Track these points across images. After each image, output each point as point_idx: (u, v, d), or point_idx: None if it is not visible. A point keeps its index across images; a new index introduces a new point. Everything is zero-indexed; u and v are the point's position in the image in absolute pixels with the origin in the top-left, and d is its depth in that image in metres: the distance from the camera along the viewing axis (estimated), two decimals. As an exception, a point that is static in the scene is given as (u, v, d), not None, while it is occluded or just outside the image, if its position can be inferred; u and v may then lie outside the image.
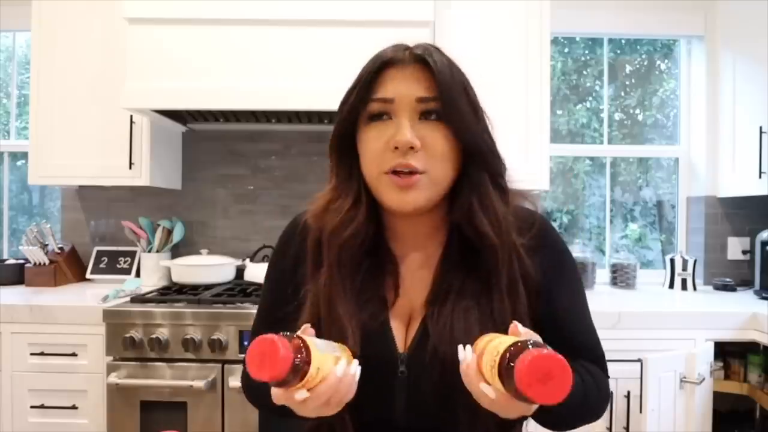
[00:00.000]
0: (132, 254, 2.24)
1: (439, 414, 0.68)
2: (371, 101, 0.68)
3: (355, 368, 0.59)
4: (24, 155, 2.32)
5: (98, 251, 2.26)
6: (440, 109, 0.66)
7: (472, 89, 0.71)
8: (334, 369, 0.57)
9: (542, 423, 0.68)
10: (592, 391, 0.70)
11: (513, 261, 0.69)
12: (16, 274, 2.14)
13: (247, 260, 2.14)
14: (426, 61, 0.67)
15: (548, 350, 0.49)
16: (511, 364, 0.49)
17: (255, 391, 0.77)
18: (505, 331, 0.60)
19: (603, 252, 2.56)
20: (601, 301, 1.98)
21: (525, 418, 0.66)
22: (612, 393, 1.70)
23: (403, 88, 0.67)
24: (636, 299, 2.01)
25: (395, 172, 0.66)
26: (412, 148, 0.65)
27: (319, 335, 0.64)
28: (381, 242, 0.75)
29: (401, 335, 0.71)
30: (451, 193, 0.71)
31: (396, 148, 0.65)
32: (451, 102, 0.66)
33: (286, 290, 0.76)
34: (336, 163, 0.74)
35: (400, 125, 0.66)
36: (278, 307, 0.76)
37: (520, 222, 0.72)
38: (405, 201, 0.67)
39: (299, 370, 0.53)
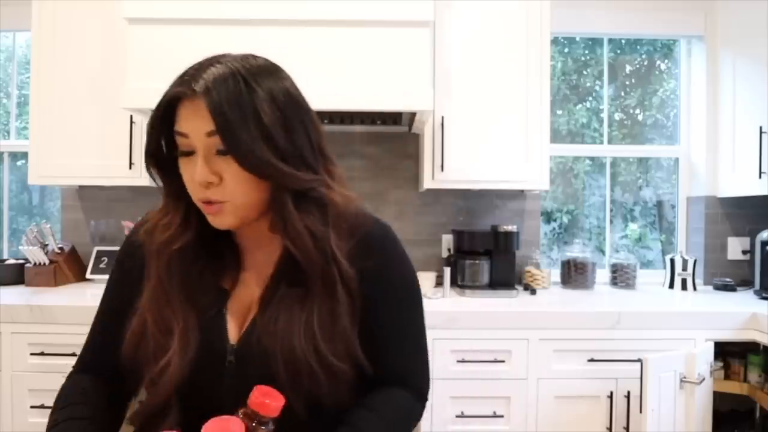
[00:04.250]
0: (132, 254, 2.24)
1: None
2: (175, 133, 0.69)
3: None
4: (24, 155, 2.32)
5: (98, 251, 2.25)
6: (223, 145, 0.66)
7: (262, 112, 0.67)
8: None
9: None
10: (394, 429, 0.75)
11: (329, 268, 0.72)
12: (16, 274, 2.14)
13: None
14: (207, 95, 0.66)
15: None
16: None
17: None
18: (328, 329, 0.70)
19: (603, 252, 2.57)
20: (601, 301, 1.98)
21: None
22: (612, 393, 1.70)
23: (194, 124, 0.67)
24: (636, 299, 2.01)
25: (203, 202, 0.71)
26: (211, 183, 0.68)
27: (145, 342, 0.71)
28: (225, 238, 0.78)
29: (237, 326, 0.75)
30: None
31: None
32: (231, 135, 0.65)
33: (122, 299, 0.78)
34: (163, 183, 0.76)
35: (197, 163, 0.68)
36: (112, 316, 0.80)
37: (349, 229, 0.75)
38: (217, 223, 0.72)
39: None
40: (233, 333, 0.74)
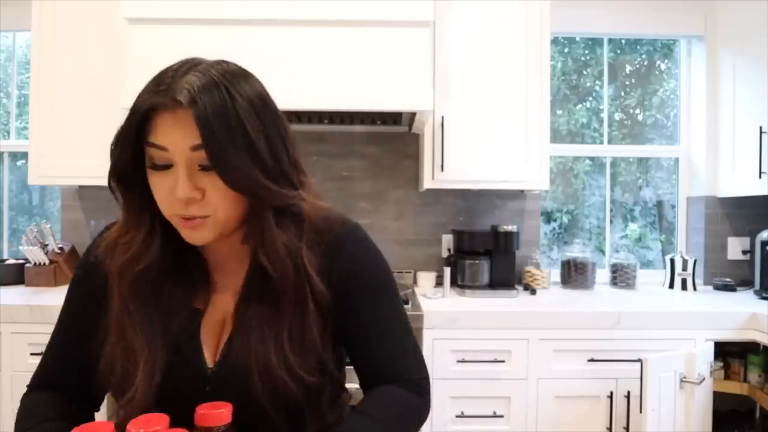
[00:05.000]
0: (132, 254, 2.24)
1: (242, 410, 0.69)
2: (148, 145, 0.64)
3: None
4: (24, 155, 2.32)
5: (98, 251, 2.25)
6: (208, 159, 0.63)
7: (249, 124, 0.65)
8: None
9: None
10: (391, 428, 0.71)
11: (301, 282, 0.71)
12: (16, 274, 2.14)
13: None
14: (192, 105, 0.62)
15: None
16: None
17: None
18: (297, 343, 0.70)
19: (603, 252, 2.56)
20: (601, 301, 1.98)
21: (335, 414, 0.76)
22: (612, 393, 1.70)
23: (175, 138, 0.63)
24: (636, 299, 2.01)
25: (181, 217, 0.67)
26: (194, 198, 0.65)
27: (112, 367, 0.69)
28: (191, 254, 0.75)
29: (212, 346, 0.73)
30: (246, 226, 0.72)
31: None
32: (218, 149, 0.62)
33: (87, 316, 0.75)
34: (123, 198, 0.71)
35: (178, 179, 0.64)
36: (76, 336, 0.77)
37: (317, 236, 0.74)
38: (195, 238, 0.68)
39: None
40: (209, 354, 0.72)
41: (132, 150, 0.66)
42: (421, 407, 0.77)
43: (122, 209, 0.72)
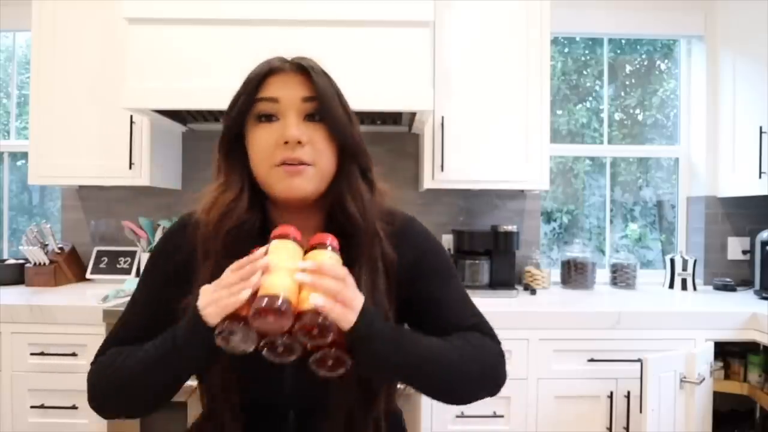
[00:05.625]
0: (132, 254, 2.24)
1: (325, 389, 0.72)
2: (259, 101, 0.75)
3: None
4: (24, 155, 2.32)
5: (98, 251, 2.25)
6: (320, 110, 0.74)
7: (343, 97, 0.79)
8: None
9: (419, 387, 0.74)
10: (464, 353, 0.74)
11: (375, 243, 0.77)
12: (16, 274, 2.14)
13: (247, 260, 2.14)
14: (306, 70, 0.76)
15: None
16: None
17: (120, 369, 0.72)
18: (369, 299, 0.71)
19: (603, 252, 2.56)
20: (602, 301, 1.98)
21: (390, 390, 0.81)
22: (612, 393, 1.70)
23: (287, 91, 0.75)
24: (636, 299, 2.01)
25: (285, 164, 0.73)
26: (299, 142, 0.73)
27: None
28: (266, 234, 0.77)
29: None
30: (329, 191, 0.78)
31: (285, 143, 0.73)
32: (328, 103, 0.75)
33: (170, 286, 0.76)
34: (224, 161, 0.79)
35: (287, 123, 0.73)
36: (160, 303, 0.76)
37: (384, 216, 0.81)
38: (294, 187, 0.73)
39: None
40: None
41: (241, 112, 0.76)
42: (499, 351, 0.80)
43: (222, 173, 0.79)
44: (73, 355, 1.67)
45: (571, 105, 2.60)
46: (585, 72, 2.64)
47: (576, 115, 2.60)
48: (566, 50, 2.62)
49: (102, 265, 2.22)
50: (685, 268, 2.22)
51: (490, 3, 2.00)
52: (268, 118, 0.75)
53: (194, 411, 1.59)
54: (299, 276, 0.63)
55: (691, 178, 2.47)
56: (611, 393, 1.70)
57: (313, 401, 0.76)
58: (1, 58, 2.52)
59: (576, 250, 2.26)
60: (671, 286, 2.25)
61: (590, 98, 2.63)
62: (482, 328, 0.81)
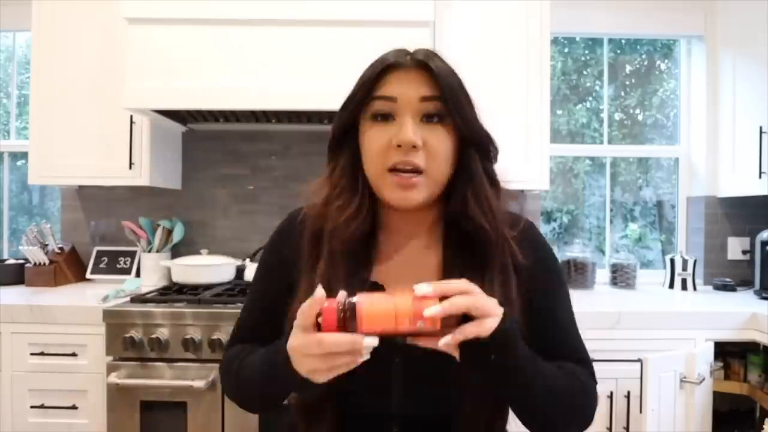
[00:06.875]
0: (132, 254, 2.24)
1: (436, 401, 0.70)
2: (375, 99, 0.70)
3: (369, 341, 0.57)
4: (24, 155, 2.32)
5: (98, 251, 2.25)
6: (443, 109, 0.69)
7: (465, 89, 0.75)
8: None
9: (521, 408, 0.68)
10: (574, 387, 0.72)
11: (505, 249, 0.72)
12: (16, 274, 2.14)
13: (247, 260, 2.14)
14: (427, 66, 0.70)
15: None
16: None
17: (242, 376, 0.75)
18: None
19: (603, 252, 2.56)
20: (601, 301, 1.98)
21: (504, 415, 0.75)
22: (612, 393, 1.70)
23: (406, 89, 0.70)
24: (636, 299, 2.00)
25: (397, 170, 0.68)
26: (414, 146, 0.67)
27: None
28: (372, 234, 0.77)
29: None
30: (447, 189, 0.74)
31: (399, 146, 0.68)
32: (455, 99, 0.70)
33: (280, 281, 0.77)
34: (337, 160, 0.76)
35: (403, 125, 0.68)
36: (270, 297, 0.78)
37: (509, 219, 0.76)
38: (406, 199, 0.69)
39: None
40: None
41: (356, 110, 0.72)
42: (595, 391, 0.78)
43: (330, 170, 0.76)
44: (73, 355, 1.67)
45: (571, 105, 2.60)
46: (585, 72, 2.64)
47: (576, 115, 2.60)
48: (566, 50, 2.62)
49: (102, 265, 2.22)
50: (685, 268, 2.22)
51: (490, 3, 2.00)
52: (384, 117, 0.70)
53: (193, 411, 1.59)
54: (427, 313, 0.56)
55: (691, 178, 2.47)
56: (611, 393, 1.70)
57: (423, 411, 0.72)
58: (1, 58, 2.52)
59: (576, 250, 2.26)
60: (671, 286, 2.25)
61: (590, 98, 2.63)
62: (589, 365, 0.78)
